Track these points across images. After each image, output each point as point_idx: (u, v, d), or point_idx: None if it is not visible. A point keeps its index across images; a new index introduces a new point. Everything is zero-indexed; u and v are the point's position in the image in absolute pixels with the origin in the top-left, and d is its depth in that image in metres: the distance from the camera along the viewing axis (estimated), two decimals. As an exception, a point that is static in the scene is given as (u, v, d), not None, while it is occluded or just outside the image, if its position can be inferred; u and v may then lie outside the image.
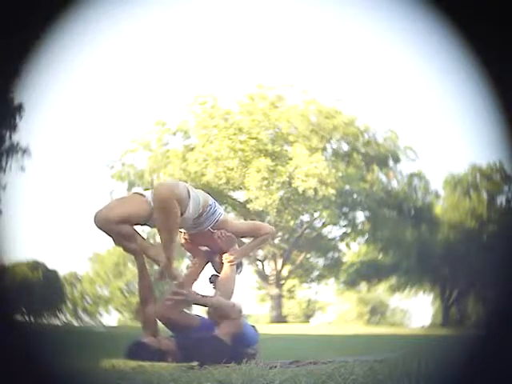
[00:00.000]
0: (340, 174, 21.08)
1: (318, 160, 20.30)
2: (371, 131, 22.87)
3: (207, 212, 3.18)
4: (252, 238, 3.46)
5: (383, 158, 22.98)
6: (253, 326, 3.43)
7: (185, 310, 3.38)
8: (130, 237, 3.00)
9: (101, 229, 2.94)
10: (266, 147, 20.97)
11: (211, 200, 3.24)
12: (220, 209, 3.29)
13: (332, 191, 20.26)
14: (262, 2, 30.59)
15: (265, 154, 20.75)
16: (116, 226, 2.91)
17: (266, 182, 20.14)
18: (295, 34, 35.82)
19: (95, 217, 2.93)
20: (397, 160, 23.08)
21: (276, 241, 23.03)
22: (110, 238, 3.02)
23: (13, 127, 13.75)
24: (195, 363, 3.02)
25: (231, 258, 3.31)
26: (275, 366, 2.48)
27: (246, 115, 21.25)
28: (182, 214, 2.91)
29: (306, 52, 38.18)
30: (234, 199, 22.59)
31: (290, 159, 20.72)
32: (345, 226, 23.71)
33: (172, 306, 3.13)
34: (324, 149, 22.02)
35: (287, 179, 20.45)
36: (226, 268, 3.32)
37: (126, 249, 3.07)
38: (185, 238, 3.40)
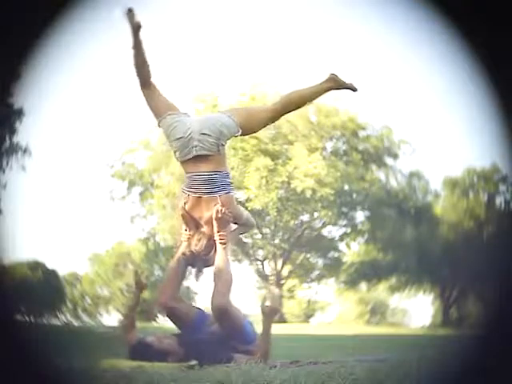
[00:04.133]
0: (339, 174, 21.04)
1: (317, 160, 20.27)
2: (370, 130, 22.84)
3: (221, 174, 3.18)
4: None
5: (382, 157, 22.95)
6: (250, 323, 3.44)
7: (184, 300, 3.39)
8: None
9: None
10: (266, 146, 20.95)
11: (228, 169, 3.27)
12: (233, 187, 3.29)
13: (330, 191, 20.22)
14: (262, 1, 30.59)
15: (265, 153, 20.73)
16: None
17: (264, 181, 20.11)
18: (295, 33, 35.81)
19: None
20: (395, 157, 23.02)
21: (276, 241, 23.02)
22: None
23: (13, 126, 13.74)
24: (195, 363, 3.03)
25: (224, 237, 3.26)
26: (275, 366, 2.48)
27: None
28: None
29: (306, 51, 38.16)
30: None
31: (290, 159, 20.70)
32: (344, 226, 23.69)
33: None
34: (323, 148, 21.99)
35: (286, 179, 20.43)
36: (220, 251, 3.27)
37: None
38: (183, 208, 3.30)
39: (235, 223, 3.42)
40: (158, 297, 3.40)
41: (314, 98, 3.33)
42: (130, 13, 3.16)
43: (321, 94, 3.30)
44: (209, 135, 3.14)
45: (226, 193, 3.19)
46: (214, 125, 3.16)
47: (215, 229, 3.24)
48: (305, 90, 3.26)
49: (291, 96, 3.26)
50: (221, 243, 3.26)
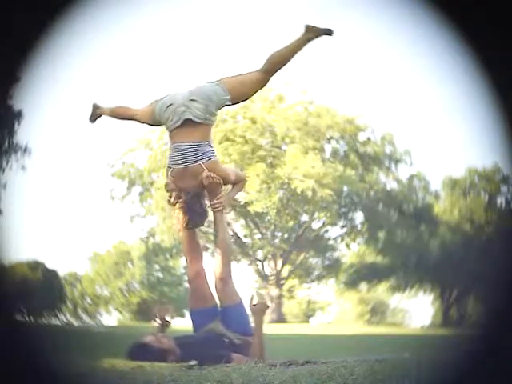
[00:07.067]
0: (338, 175, 21.00)
1: (315, 160, 20.23)
2: (369, 131, 22.82)
3: (204, 144, 3.25)
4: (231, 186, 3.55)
5: (381, 159, 22.93)
6: (245, 309, 3.47)
7: (210, 288, 3.47)
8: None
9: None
10: (263, 148, 20.89)
11: (211, 140, 3.34)
12: (216, 153, 3.35)
13: (329, 192, 20.18)
14: (262, 1, 30.59)
15: (262, 156, 20.67)
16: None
17: (264, 186, 20.08)
18: (295, 34, 35.75)
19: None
20: (395, 162, 23.03)
21: (276, 241, 23.02)
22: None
23: (13, 126, 13.74)
24: (195, 363, 3.03)
25: (218, 204, 3.35)
26: (275, 366, 2.48)
27: (243, 116, 21.16)
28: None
29: (306, 53, 38.14)
30: (233, 200, 22.47)
31: (288, 160, 20.64)
32: (344, 227, 23.68)
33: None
34: (322, 149, 21.95)
35: (286, 180, 20.39)
36: (217, 220, 3.37)
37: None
38: (172, 177, 3.37)
39: (225, 184, 3.45)
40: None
41: (296, 52, 3.40)
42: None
43: (302, 47, 3.39)
44: (197, 101, 3.23)
45: (208, 159, 3.25)
46: (204, 92, 3.25)
47: (209, 197, 3.34)
48: (286, 46, 3.37)
49: (274, 55, 3.35)
50: (217, 211, 3.37)
